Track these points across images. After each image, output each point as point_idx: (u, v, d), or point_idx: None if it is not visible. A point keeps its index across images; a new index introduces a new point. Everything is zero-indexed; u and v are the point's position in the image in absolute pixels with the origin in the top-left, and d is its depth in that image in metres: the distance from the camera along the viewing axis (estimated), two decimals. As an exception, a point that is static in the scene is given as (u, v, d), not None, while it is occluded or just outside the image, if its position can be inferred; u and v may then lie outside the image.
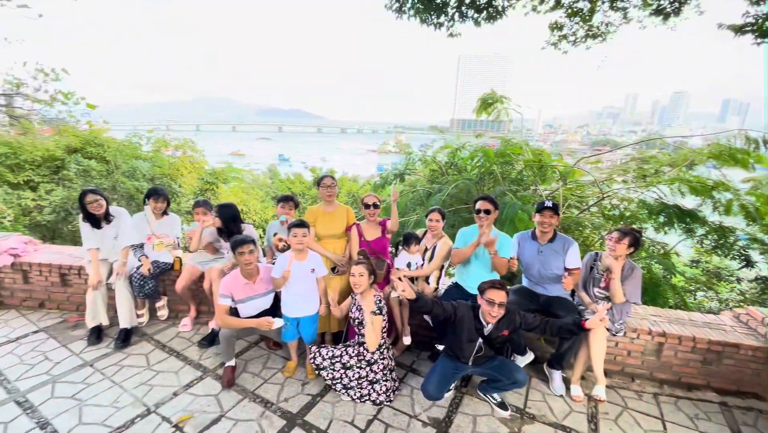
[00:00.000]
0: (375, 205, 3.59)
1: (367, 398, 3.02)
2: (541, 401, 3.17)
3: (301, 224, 3.17)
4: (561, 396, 3.23)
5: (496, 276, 3.41)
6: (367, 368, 3.03)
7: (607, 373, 3.37)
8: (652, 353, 3.47)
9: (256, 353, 3.68)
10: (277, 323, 3.18)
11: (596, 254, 3.43)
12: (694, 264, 7.22)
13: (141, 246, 3.93)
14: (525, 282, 3.62)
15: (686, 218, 5.01)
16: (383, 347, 3.09)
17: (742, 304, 6.29)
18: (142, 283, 3.80)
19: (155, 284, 3.93)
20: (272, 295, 3.41)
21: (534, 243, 3.43)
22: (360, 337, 3.12)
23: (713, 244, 5.69)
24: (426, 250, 3.69)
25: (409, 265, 3.60)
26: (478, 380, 3.25)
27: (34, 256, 4.35)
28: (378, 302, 3.03)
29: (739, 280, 6.76)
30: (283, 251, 3.56)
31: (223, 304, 3.13)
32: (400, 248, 3.70)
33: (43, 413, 2.79)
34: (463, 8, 6.19)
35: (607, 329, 3.21)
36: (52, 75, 8.85)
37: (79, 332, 3.87)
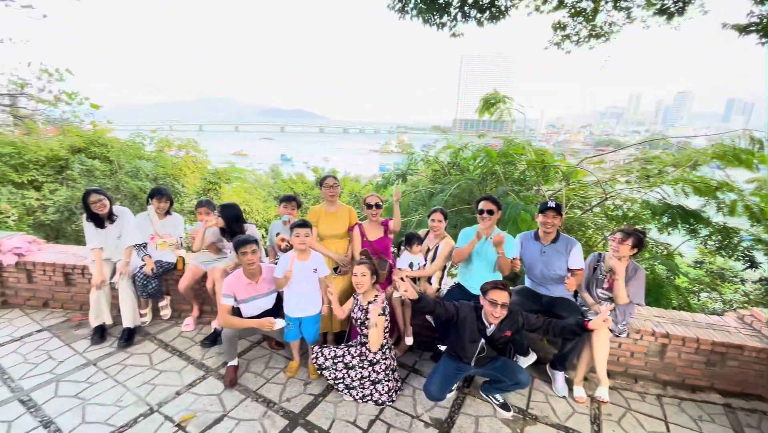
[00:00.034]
0: (377, 206, 3.59)
1: (369, 398, 3.02)
2: (543, 402, 3.16)
3: (304, 224, 3.18)
4: (564, 397, 3.22)
5: (499, 276, 3.40)
6: (370, 368, 3.03)
7: (610, 374, 3.35)
8: (655, 355, 3.45)
9: (259, 352, 3.69)
10: (279, 323, 3.19)
11: (599, 254, 3.42)
12: (698, 265, 7.19)
13: (144, 246, 3.95)
14: (528, 283, 3.61)
15: (690, 219, 4.99)
16: (385, 347, 3.09)
17: (746, 305, 6.26)
18: (145, 282, 3.82)
19: (158, 283, 3.94)
20: (275, 295, 3.41)
21: (537, 244, 3.42)
22: (362, 337, 3.12)
23: (717, 245, 5.66)
24: (428, 250, 3.69)
25: (411, 265, 3.59)
26: (481, 380, 3.24)
27: (38, 255, 4.37)
28: (381, 302, 3.03)
29: (743, 281, 6.72)
30: (285, 251, 3.56)
31: (226, 304, 3.14)
32: (403, 248, 3.70)
33: (47, 412, 2.81)
34: (466, 8, 6.18)
35: (610, 330, 3.20)
36: (56, 75, 8.89)
37: (83, 331, 3.89)
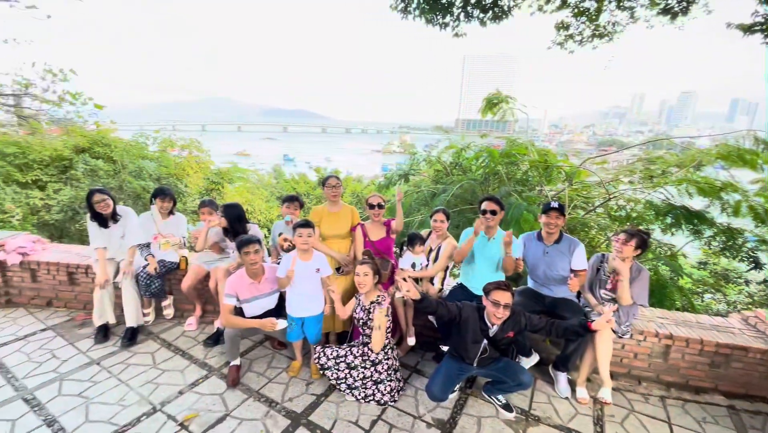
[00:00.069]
0: (380, 206, 3.59)
1: (371, 398, 3.02)
2: (546, 403, 3.15)
3: (306, 224, 3.18)
4: (566, 398, 3.21)
5: (502, 277, 3.39)
6: (372, 369, 3.03)
7: (613, 375, 3.34)
8: (659, 356, 3.44)
9: (261, 352, 3.69)
10: (281, 324, 3.20)
11: (603, 255, 3.40)
12: (702, 266, 7.14)
13: (147, 245, 3.96)
14: (530, 283, 3.60)
15: (694, 220, 4.97)
16: (388, 347, 3.09)
17: (750, 306, 6.22)
18: (148, 282, 3.83)
19: (161, 283, 3.96)
20: (277, 295, 3.42)
21: (540, 244, 3.41)
22: (364, 337, 3.12)
23: (721, 246, 5.63)
24: (431, 250, 3.68)
25: (413, 265, 3.59)
26: (483, 381, 3.23)
27: (42, 255, 4.39)
28: (387, 304, 3.03)
29: (747, 282, 6.67)
30: (288, 250, 3.57)
31: (228, 303, 3.14)
32: (405, 248, 3.70)
33: (51, 411, 2.82)
34: (469, 8, 6.18)
35: (614, 331, 3.18)
36: (61, 75, 8.94)
37: (86, 331, 3.91)
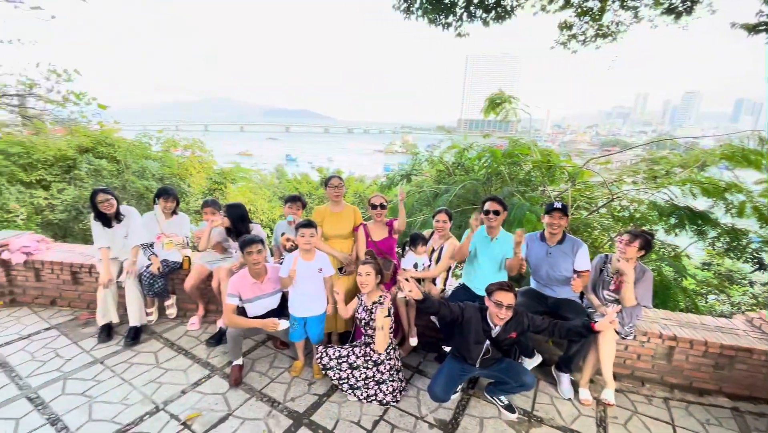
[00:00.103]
0: (382, 206, 3.59)
1: (373, 398, 3.02)
2: (548, 405, 3.14)
3: (309, 224, 3.18)
4: (569, 400, 3.20)
5: (504, 277, 3.39)
6: (374, 369, 3.03)
7: (616, 376, 3.33)
8: (662, 357, 3.42)
9: (264, 352, 3.70)
10: (283, 324, 3.20)
11: (606, 256, 3.39)
12: (706, 267, 7.11)
13: (151, 245, 3.98)
14: (533, 284, 3.59)
15: (698, 220, 4.95)
16: (390, 347, 3.08)
17: (754, 308, 6.18)
18: (151, 281, 3.84)
19: (164, 282, 3.97)
20: (280, 294, 3.42)
21: (543, 245, 3.40)
22: (367, 337, 3.12)
23: (725, 246, 5.60)
24: (433, 251, 3.68)
25: (416, 266, 3.59)
26: (485, 382, 3.23)
27: (46, 254, 4.41)
28: (388, 304, 3.03)
29: (751, 283, 6.63)
30: (290, 250, 3.57)
31: (231, 303, 3.15)
32: (407, 248, 3.70)
33: (54, 409, 2.83)
34: (472, 8, 6.16)
35: (617, 332, 3.17)
36: (65, 76, 8.98)
37: (90, 330, 3.93)
